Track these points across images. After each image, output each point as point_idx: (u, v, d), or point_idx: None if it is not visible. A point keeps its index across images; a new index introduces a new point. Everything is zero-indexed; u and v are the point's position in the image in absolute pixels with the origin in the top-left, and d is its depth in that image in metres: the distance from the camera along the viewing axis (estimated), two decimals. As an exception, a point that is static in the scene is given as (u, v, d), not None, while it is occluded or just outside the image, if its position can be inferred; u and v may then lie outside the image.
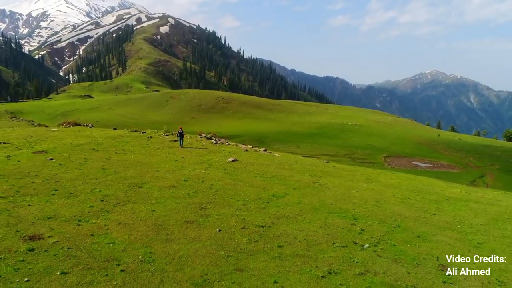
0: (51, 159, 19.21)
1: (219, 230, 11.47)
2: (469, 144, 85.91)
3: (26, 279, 7.85)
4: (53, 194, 13.60)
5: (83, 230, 10.64)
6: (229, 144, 31.64)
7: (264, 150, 31.24)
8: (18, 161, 18.28)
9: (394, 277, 9.46)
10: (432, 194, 20.45)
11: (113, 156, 21.31)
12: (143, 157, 21.96)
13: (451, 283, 9.39)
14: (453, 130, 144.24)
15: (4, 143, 23.19)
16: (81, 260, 8.86)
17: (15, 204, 12.28)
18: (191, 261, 9.32)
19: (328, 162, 33.10)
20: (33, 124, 75.94)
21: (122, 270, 8.55)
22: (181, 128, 28.21)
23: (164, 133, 32.59)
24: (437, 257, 10.89)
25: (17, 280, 7.77)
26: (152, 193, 14.76)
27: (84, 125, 35.89)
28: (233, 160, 23.01)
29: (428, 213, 15.69)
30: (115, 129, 36.20)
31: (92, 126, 36.75)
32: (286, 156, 32.19)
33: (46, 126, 66.56)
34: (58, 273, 8.19)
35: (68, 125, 34.53)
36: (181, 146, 26.64)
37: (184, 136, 28.02)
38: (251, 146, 33.55)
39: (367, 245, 11.31)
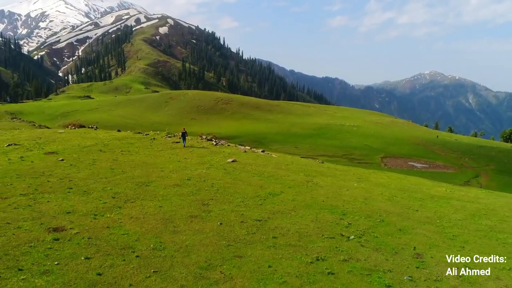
0: (62, 159, 20.51)
1: (220, 224, 12.82)
2: (465, 144, 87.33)
3: (56, 262, 9.19)
4: (69, 192, 14.92)
5: (100, 223, 11.99)
6: (228, 145, 32.96)
7: (262, 151, 32.55)
8: (32, 161, 19.58)
9: (374, 263, 10.83)
10: (418, 192, 21.84)
11: (119, 157, 22.63)
12: (148, 158, 23.29)
13: (423, 268, 10.75)
14: (451, 130, 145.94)
15: (15, 144, 24.47)
16: (101, 248, 10.21)
17: (36, 200, 13.60)
18: (196, 249, 10.67)
19: (322, 162, 34.47)
20: (34, 125, 76.88)
21: (137, 256, 9.90)
22: (184, 128, 29.62)
23: (167, 135, 33.90)
24: (414, 247, 12.25)
25: (48, 264, 9.11)
26: (159, 191, 16.10)
27: (89, 127, 37.20)
28: (233, 161, 24.32)
29: (411, 210, 17.07)
30: (119, 130, 37.50)
31: (96, 128, 38.06)
32: (283, 157, 33.52)
33: (48, 127, 67.78)
34: (82, 258, 9.54)
35: (73, 127, 35.83)
36: (184, 146, 28.05)
37: (186, 137, 29.39)
38: (249, 147, 34.87)
39: (352, 237, 12.67)
